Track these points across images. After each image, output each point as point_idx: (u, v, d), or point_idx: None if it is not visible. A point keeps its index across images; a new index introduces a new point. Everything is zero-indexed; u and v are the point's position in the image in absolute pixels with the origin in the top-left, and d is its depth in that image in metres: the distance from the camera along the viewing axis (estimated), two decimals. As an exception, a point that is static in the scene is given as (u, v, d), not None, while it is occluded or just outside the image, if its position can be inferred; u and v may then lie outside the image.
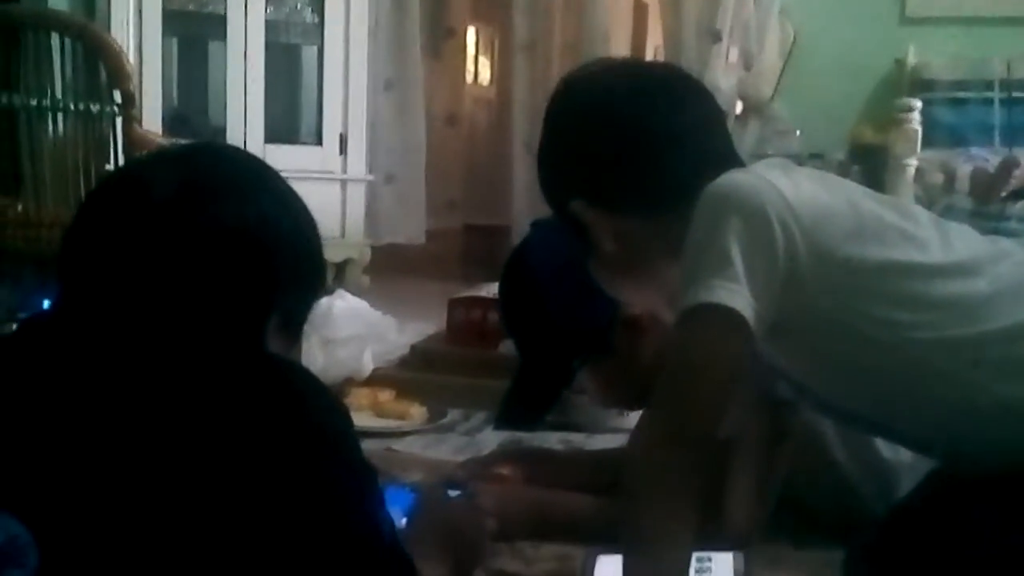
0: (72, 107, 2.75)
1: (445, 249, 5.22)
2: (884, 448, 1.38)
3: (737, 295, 0.97)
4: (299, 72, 4.45)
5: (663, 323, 1.28)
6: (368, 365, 2.33)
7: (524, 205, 4.60)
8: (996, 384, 1.01)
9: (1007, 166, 3.52)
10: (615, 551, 1.15)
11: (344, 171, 4.38)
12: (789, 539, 1.39)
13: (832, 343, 1.04)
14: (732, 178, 1.05)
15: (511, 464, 1.57)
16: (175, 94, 4.15)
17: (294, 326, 0.97)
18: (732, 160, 1.12)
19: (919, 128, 3.42)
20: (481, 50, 6.22)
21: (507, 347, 1.70)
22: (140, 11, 3.80)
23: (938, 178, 3.58)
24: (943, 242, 1.06)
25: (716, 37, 4.17)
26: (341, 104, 4.34)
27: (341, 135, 4.35)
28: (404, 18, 4.78)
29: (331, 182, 4.28)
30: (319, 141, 4.37)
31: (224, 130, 4.08)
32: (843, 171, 3.32)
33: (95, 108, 2.74)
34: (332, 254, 1.04)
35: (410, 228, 4.86)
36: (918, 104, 3.46)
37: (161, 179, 0.90)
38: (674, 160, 1.10)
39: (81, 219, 0.92)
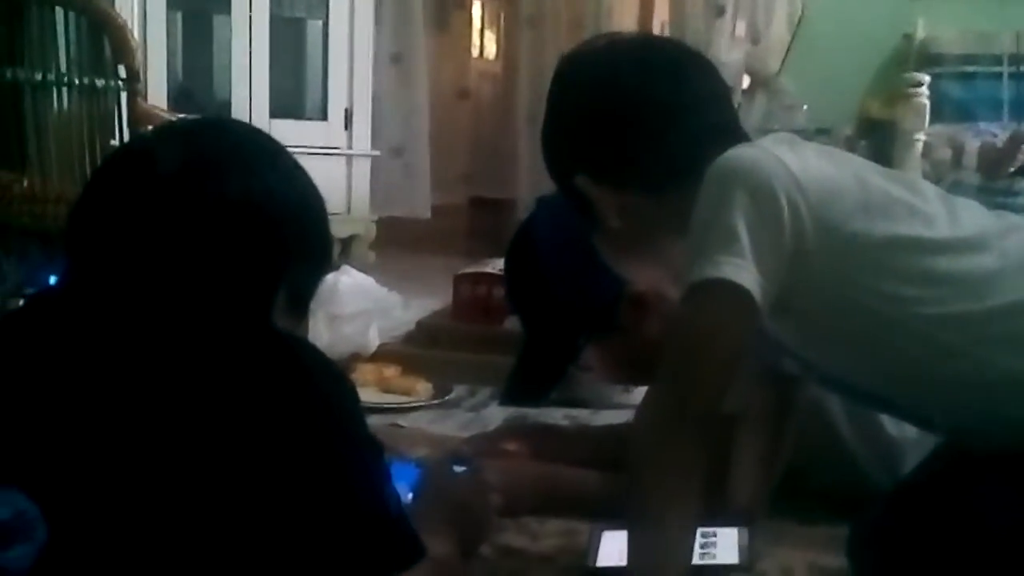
0: (76, 82, 2.74)
1: (451, 224, 5.21)
2: (889, 424, 1.38)
3: (743, 271, 0.97)
4: (304, 46, 4.43)
5: (669, 299, 1.28)
6: (374, 341, 2.34)
7: (529, 179, 4.59)
8: (1003, 359, 1.01)
9: (1015, 141, 3.50)
10: (620, 526, 1.16)
11: (349, 146, 4.37)
12: (794, 515, 1.39)
13: (838, 318, 1.04)
14: (738, 153, 1.04)
15: (516, 439, 1.58)
16: (179, 69, 4.14)
17: (301, 302, 0.97)
18: (738, 135, 1.11)
19: (927, 102, 3.40)
20: (487, 24, 6.19)
21: (513, 323, 1.70)
22: (144, -15, 3.79)
23: (946, 153, 3.57)
24: (950, 217, 1.06)
25: (721, 11, 4.15)
26: (346, 78, 4.33)
27: (346, 110, 4.34)
28: (410, -9, 4.77)
29: (336, 157, 4.28)
30: (324, 116, 4.36)
31: (229, 105, 4.07)
32: (850, 146, 3.31)
33: (99, 83, 2.73)
34: (337, 230, 1.04)
35: (415, 202, 4.86)
36: (926, 78, 3.45)
37: (168, 154, 0.89)
38: (679, 135, 1.10)
39: (88, 194, 0.92)
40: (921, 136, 3.41)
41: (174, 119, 2.61)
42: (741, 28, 4.22)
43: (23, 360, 0.86)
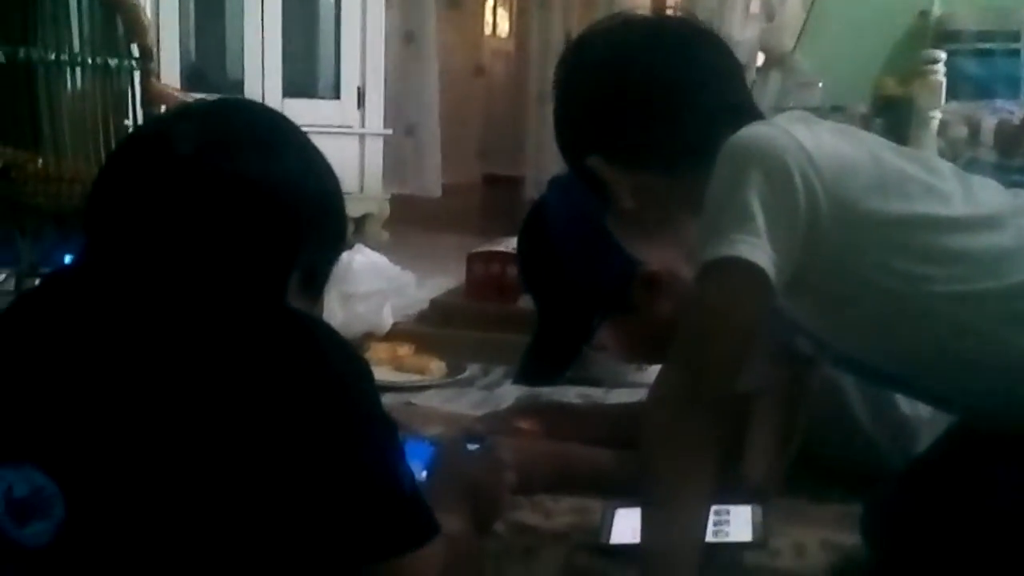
0: (90, 61, 2.74)
1: (464, 202, 5.21)
2: (903, 403, 1.38)
3: (757, 249, 0.97)
4: (316, 25, 4.43)
5: (682, 279, 1.27)
6: (387, 320, 2.34)
7: (536, 157, 4.59)
8: (1019, 338, 1.01)
9: (1033, 118, 3.47)
10: (634, 504, 1.16)
11: (362, 125, 4.37)
12: (807, 493, 1.39)
13: (853, 297, 1.03)
14: (753, 131, 1.04)
15: (530, 418, 1.58)
16: (192, 48, 4.15)
17: (316, 283, 0.97)
18: (751, 113, 1.10)
19: (943, 80, 3.38)
20: (499, 2, 6.17)
21: (526, 302, 1.70)
22: (157, -36, 3.79)
23: (962, 131, 3.54)
24: (966, 195, 1.05)
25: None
26: (359, 57, 4.32)
27: (359, 89, 4.34)
28: (422, -32, 4.76)
29: (349, 136, 4.28)
30: (337, 95, 4.36)
31: (242, 84, 4.08)
32: (866, 124, 3.29)
33: (113, 62, 2.73)
34: (351, 209, 1.04)
35: (426, 181, 4.86)
36: (942, 55, 3.42)
37: (185, 135, 0.90)
38: (692, 114, 1.09)
39: (106, 174, 0.93)
40: (937, 114, 3.39)
41: (187, 98, 2.62)
42: (755, 5, 4.19)
43: (41, 339, 0.87)
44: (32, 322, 0.89)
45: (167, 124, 0.94)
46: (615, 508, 1.29)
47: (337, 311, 2.17)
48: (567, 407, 1.75)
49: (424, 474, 1.22)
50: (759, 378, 1.26)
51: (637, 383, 1.91)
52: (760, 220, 0.97)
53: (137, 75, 2.74)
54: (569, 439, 1.52)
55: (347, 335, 1.06)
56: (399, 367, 2.12)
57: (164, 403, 0.83)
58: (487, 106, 5.90)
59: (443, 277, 2.78)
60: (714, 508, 1.19)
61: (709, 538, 1.12)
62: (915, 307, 1.02)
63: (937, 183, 1.05)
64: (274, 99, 3.96)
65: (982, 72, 3.97)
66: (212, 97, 1.01)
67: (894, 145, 1.11)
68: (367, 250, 2.48)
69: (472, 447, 1.36)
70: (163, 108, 2.69)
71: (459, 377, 2.10)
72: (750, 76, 3.91)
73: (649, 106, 1.10)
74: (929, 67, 3.33)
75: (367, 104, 4.37)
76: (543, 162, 4.40)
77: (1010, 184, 1.14)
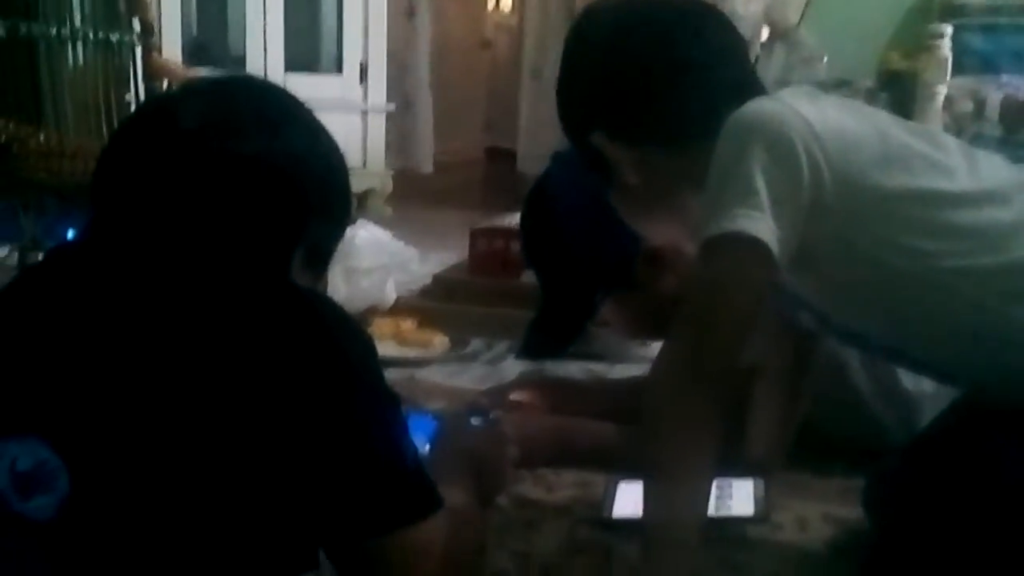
0: (91, 36, 2.73)
1: (468, 176, 5.21)
2: (906, 378, 1.38)
3: (761, 224, 0.96)
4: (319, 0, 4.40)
5: (686, 255, 1.27)
6: (391, 295, 2.34)
7: (529, 131, 4.57)
8: (1022, 313, 1.00)
9: (1039, 93, 3.46)
10: (636, 478, 1.16)
11: (365, 100, 4.36)
12: (810, 467, 1.40)
13: (856, 272, 1.03)
14: (756, 106, 1.03)
15: (533, 391, 1.58)
16: (194, 23, 4.13)
17: (321, 259, 0.97)
18: (755, 88, 1.10)
19: (949, 55, 3.36)
20: (503, -25, 6.14)
21: (529, 277, 1.70)
22: (158, -63, 3.76)
23: (968, 106, 3.53)
24: (971, 170, 1.05)
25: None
26: (361, 32, 4.30)
27: (362, 63, 4.32)
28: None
29: (352, 112, 4.26)
30: (339, 70, 4.34)
31: (243, 59, 4.07)
32: (871, 98, 3.28)
33: (114, 37, 2.73)
34: (353, 184, 1.04)
35: (419, 155, 4.85)
36: (948, 30, 3.40)
37: (191, 111, 0.90)
38: (695, 90, 1.09)
39: (112, 149, 0.93)
40: (943, 88, 3.37)
41: (189, 73, 2.61)
42: (760, -21, 4.16)
43: (45, 313, 0.87)
44: (36, 296, 0.90)
45: (173, 100, 0.94)
46: (617, 482, 1.29)
47: (340, 286, 2.17)
48: (570, 382, 1.75)
49: (427, 448, 1.22)
50: (762, 353, 1.26)
51: (640, 358, 1.91)
52: (763, 195, 0.97)
53: (138, 50, 2.73)
54: (572, 413, 1.52)
55: (350, 310, 1.06)
56: (402, 342, 2.12)
57: (168, 378, 0.83)
58: (491, 79, 5.89)
59: (446, 252, 2.78)
60: (716, 482, 1.19)
61: (711, 512, 1.13)
62: (919, 282, 1.01)
63: (942, 158, 1.05)
64: (276, 74, 3.94)
65: (988, 47, 3.94)
66: (214, 72, 1.01)
67: (899, 120, 1.10)
68: (370, 225, 2.47)
69: (475, 421, 1.36)
70: (164, 83, 2.69)
71: (462, 352, 2.10)
72: (754, 50, 3.89)
73: (652, 81, 1.10)
74: (935, 41, 3.31)
75: (369, 79, 4.35)
76: (535, 137, 4.39)
77: (1016, 159, 1.14)
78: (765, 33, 4.14)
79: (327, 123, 0.97)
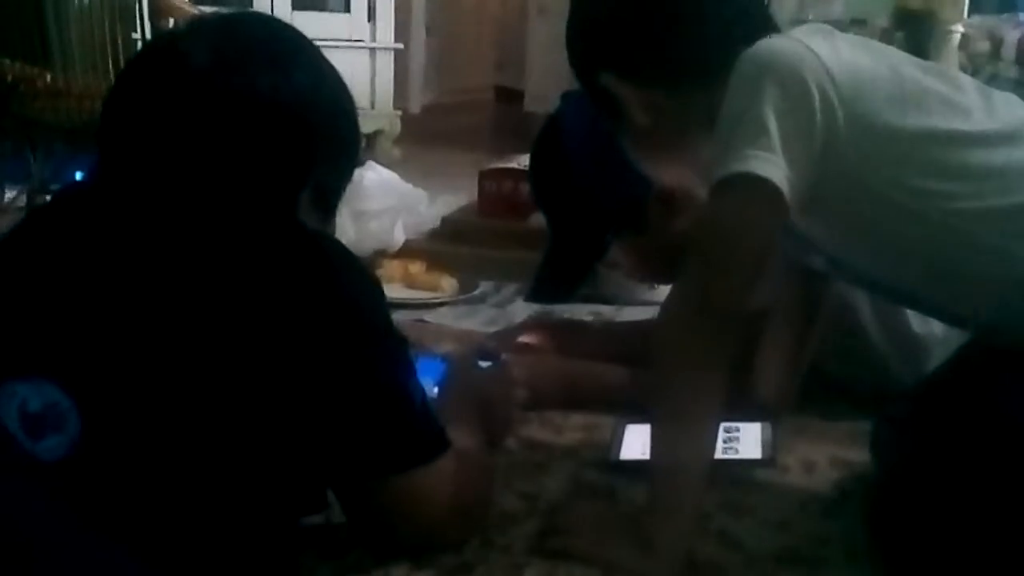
0: (96, -26, 2.70)
1: (477, 117, 5.17)
2: (915, 321, 1.38)
3: (772, 165, 0.95)
4: (326, -67, 4.34)
5: (697, 197, 1.26)
6: (399, 237, 2.34)
7: (536, 71, 4.53)
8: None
9: (1057, 32, 3.40)
10: (644, 420, 1.17)
11: (373, 39, 4.31)
12: (818, 410, 1.40)
13: (869, 214, 1.02)
14: (769, 44, 1.01)
15: (541, 334, 1.59)
16: (200, -41, 4.07)
17: (329, 200, 0.97)
18: (768, 26, 1.08)
19: (966, -8, 3.30)
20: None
21: (538, 219, 1.69)
22: None
23: (984, 45, 3.47)
24: (987, 110, 1.03)
25: None
26: (369, -31, 4.24)
27: (369, 2, 4.27)
28: None
29: (359, 51, 4.22)
30: (347, 8, 4.29)
31: (251, -4, 4.01)
32: (886, 37, 3.23)
33: (119, -25, 2.69)
34: (362, 125, 1.02)
35: (407, 96, 4.82)
36: (966, -33, 3.33)
37: (198, 49, 0.89)
38: (706, 28, 1.07)
39: (119, 89, 0.92)
40: (959, 27, 3.32)
41: (195, 11, 2.58)
42: (775, -86, 4.08)
43: (53, 255, 0.87)
44: (44, 238, 0.89)
45: (180, 39, 0.92)
46: (625, 424, 1.30)
47: (349, 228, 2.17)
48: (578, 324, 1.75)
49: (436, 391, 1.22)
50: (771, 295, 1.25)
51: (649, 301, 1.91)
52: (775, 135, 0.95)
53: (145, -12, 2.70)
54: (580, 356, 1.52)
55: (358, 252, 1.06)
56: (411, 284, 2.12)
57: (176, 317, 0.83)
58: (501, 17, 5.83)
59: (455, 194, 2.77)
60: (724, 425, 1.20)
61: (719, 455, 1.14)
62: (931, 223, 1.00)
63: (957, 98, 1.03)
64: (283, 11, 3.90)
65: (1005, -15, 3.87)
66: (223, 11, 0.99)
67: (914, 59, 1.09)
68: (378, 167, 2.46)
69: (483, 364, 1.36)
70: (171, 21, 2.66)
71: (471, 294, 2.10)
72: (768, -12, 3.83)
73: (663, 20, 1.08)
74: (952, -21, 3.25)
75: (377, 17, 4.30)
76: (543, 76, 4.34)
77: (1032, 100, 1.12)
78: (779, -29, 4.08)
79: (334, 62, 0.96)
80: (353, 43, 4.18)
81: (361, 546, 1.00)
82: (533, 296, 1.62)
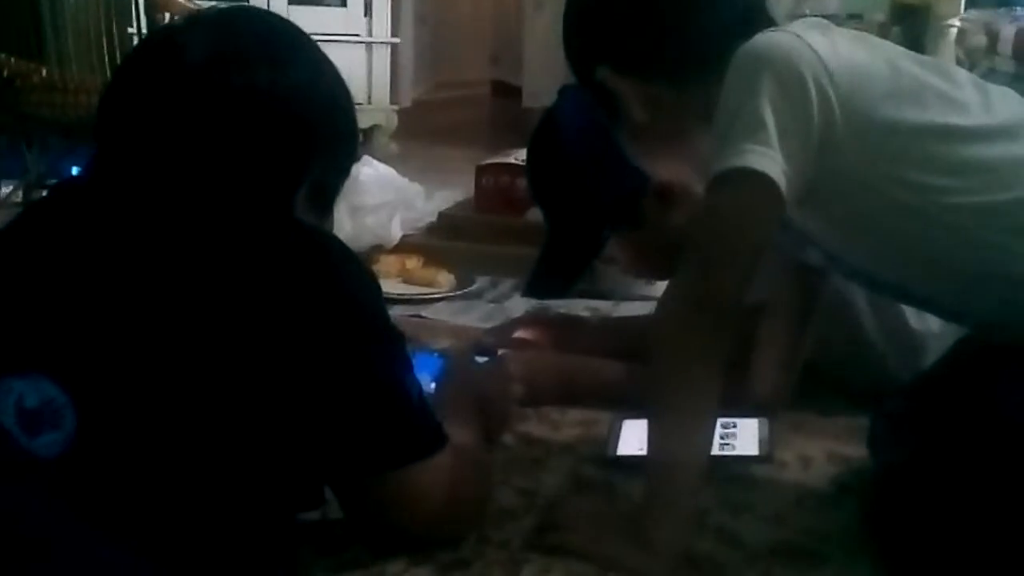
0: (92, -31, 2.70)
1: (474, 112, 5.16)
2: (912, 317, 1.38)
3: (769, 159, 0.95)
4: (323, -73, 4.32)
5: (694, 192, 1.26)
6: (396, 232, 2.34)
7: (533, 66, 4.52)
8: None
9: (1053, 27, 3.40)
10: (641, 416, 1.17)
11: (369, 34, 4.30)
12: (815, 406, 1.40)
13: (866, 209, 1.02)
14: (766, 38, 1.01)
15: (538, 329, 1.58)
16: (196, -46, 4.06)
17: (326, 197, 0.96)
18: (764, 20, 1.08)
19: (962, -13, 3.30)
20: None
21: (535, 214, 1.69)
22: None
23: (981, 40, 3.47)
24: (984, 105, 1.03)
25: None
26: (365, -37, 4.23)
27: (365, -4, 4.26)
28: None
29: (356, 45, 4.21)
30: (343, 2, 4.28)
31: (247, -10, 4.00)
32: (883, 32, 3.23)
33: (115, -30, 2.69)
34: (358, 120, 1.02)
35: (399, 92, 4.82)
36: (962, -39, 3.33)
37: (195, 45, 0.88)
38: (703, 22, 1.07)
39: (116, 84, 0.92)
40: (955, 22, 3.32)
41: (191, 6, 2.57)
42: (772, -92, 4.08)
43: (50, 250, 0.87)
44: (40, 233, 0.89)
45: (177, 34, 0.92)
46: (622, 420, 1.30)
47: (345, 223, 2.17)
48: (575, 320, 1.75)
49: (433, 386, 1.22)
50: (768, 290, 1.25)
51: (646, 296, 1.91)
52: (772, 130, 0.95)
53: (140, -17, 2.70)
54: (577, 352, 1.52)
55: (355, 247, 1.06)
56: (408, 280, 2.12)
57: (174, 313, 0.83)
58: (497, 10, 5.82)
59: (452, 189, 2.77)
60: (721, 421, 1.19)
61: (715, 451, 1.14)
62: (927, 218, 1.00)
63: (954, 92, 1.03)
64: (280, 6, 3.89)
65: (1002, -21, 3.87)
66: (220, 5, 0.99)
67: (911, 54, 1.08)
68: (375, 162, 2.46)
69: (480, 360, 1.36)
70: (167, 15, 2.65)
71: (468, 290, 2.10)
72: (765, -17, 3.82)
73: (660, 14, 1.08)
74: (948, -27, 3.25)
75: (374, 12, 4.29)
76: (540, 71, 4.34)
77: (1029, 94, 1.11)
78: (776, -35, 4.07)
79: (331, 57, 0.96)
80: (349, 38, 4.17)
81: (358, 542, 1.00)
82: (530, 291, 1.62)
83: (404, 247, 2.29)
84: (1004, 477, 0.96)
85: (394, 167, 2.53)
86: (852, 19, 3.44)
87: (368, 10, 4.27)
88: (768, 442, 1.25)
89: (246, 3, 3.74)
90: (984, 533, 0.95)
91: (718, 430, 1.17)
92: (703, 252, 1.00)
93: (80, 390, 0.80)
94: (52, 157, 2.63)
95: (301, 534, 0.98)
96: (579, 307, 1.91)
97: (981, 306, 1.05)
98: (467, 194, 2.57)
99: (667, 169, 1.28)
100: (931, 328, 1.36)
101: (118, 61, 2.64)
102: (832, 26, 1.07)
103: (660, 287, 1.21)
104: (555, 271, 1.50)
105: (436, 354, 1.39)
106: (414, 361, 0.95)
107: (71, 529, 0.76)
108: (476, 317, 1.95)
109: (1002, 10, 3.69)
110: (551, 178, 1.48)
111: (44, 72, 2.55)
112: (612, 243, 1.49)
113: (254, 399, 0.84)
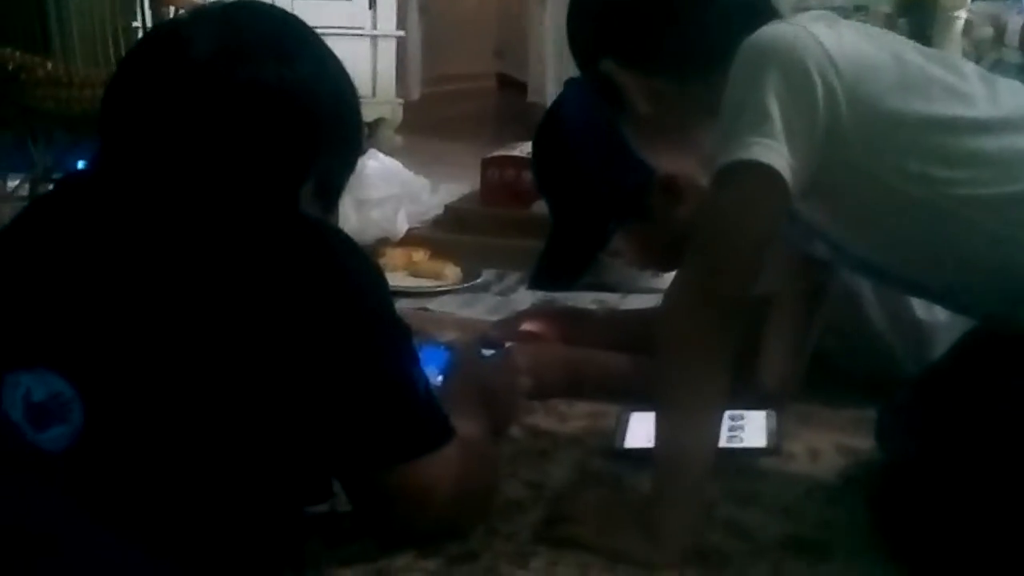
0: (96, -38, 2.69)
1: (480, 106, 5.16)
2: (920, 308, 1.37)
3: (774, 152, 0.95)
4: (328, -81, 4.31)
5: (700, 185, 1.26)
6: (402, 225, 2.34)
7: (539, 60, 4.51)
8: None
9: (1061, 18, 3.39)
10: (648, 409, 1.17)
11: (374, 27, 4.30)
12: (822, 398, 1.40)
13: (872, 201, 1.02)
14: (772, 30, 1.01)
15: (545, 322, 1.58)
16: (201, -52, 4.06)
17: (332, 191, 0.96)
18: (770, 13, 1.08)
19: (969, -22, 3.28)
20: None
21: (541, 207, 1.69)
22: None
23: (987, 31, 3.46)
24: (990, 97, 1.03)
25: None
26: (370, -44, 4.22)
27: (370, -11, 4.25)
28: None
29: (361, 38, 4.21)
30: (348, -5, 4.27)
31: (251, -15, 3.99)
32: (889, 24, 3.21)
33: (120, -37, 2.69)
34: (363, 113, 1.02)
35: (407, 84, 4.81)
36: (969, -48, 3.32)
37: (200, 39, 0.88)
38: (708, 14, 1.07)
39: (121, 78, 0.91)
40: (962, 14, 3.30)
41: (196, 0, 2.57)
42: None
43: (56, 244, 0.87)
44: (47, 228, 0.89)
45: (182, 27, 0.92)
46: (629, 413, 1.30)
47: (351, 217, 2.17)
48: (582, 312, 1.75)
49: (440, 379, 1.22)
50: (775, 283, 1.25)
51: (653, 289, 1.90)
52: (777, 122, 0.95)
53: (145, -24, 2.70)
54: (584, 344, 1.52)
55: (361, 241, 1.06)
56: (414, 273, 2.12)
57: (181, 307, 0.83)
58: (503, 4, 5.81)
59: (457, 182, 2.76)
60: (729, 414, 1.19)
61: (723, 443, 1.14)
62: (934, 211, 1.00)
63: (960, 84, 1.03)
64: (284, 0, 3.89)
65: (1009, -31, 3.85)
66: (225, -1, 0.99)
67: (917, 45, 1.08)
68: (380, 155, 2.46)
69: (487, 352, 1.36)
70: (172, 9, 2.65)
71: (474, 283, 2.10)
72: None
73: (665, 7, 1.08)
74: (955, -36, 3.24)
75: (378, 5, 4.29)
76: (545, 65, 4.33)
77: (1036, 86, 1.11)
78: (782, -44, 4.06)
79: (336, 50, 0.96)
80: (354, 31, 4.16)
81: (366, 535, 1.01)
82: (536, 284, 1.62)
83: (410, 240, 2.29)
84: (1012, 470, 0.96)
85: (400, 160, 2.53)
86: (858, 11, 3.43)
87: (373, 3, 4.27)
88: (776, 434, 1.25)
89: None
90: (992, 525, 0.95)
91: (726, 422, 1.17)
92: (709, 245, 1.00)
93: (87, 384, 0.81)
94: (57, 151, 2.63)
95: (309, 527, 0.99)
96: (586, 300, 1.91)
97: (988, 297, 1.05)
98: (473, 187, 2.57)
99: (672, 162, 1.28)
100: (939, 319, 1.36)
101: (123, 55, 2.64)
102: (838, 18, 1.06)
103: (666, 279, 1.21)
104: (561, 264, 1.50)
105: (443, 347, 1.39)
106: (421, 354, 0.95)
107: (78, 523, 0.76)
108: (482, 310, 1.95)
109: (1009, 1, 3.68)
110: (556, 171, 1.48)
111: (49, 66, 2.54)
112: (618, 236, 1.49)
113: (261, 393, 0.84)
